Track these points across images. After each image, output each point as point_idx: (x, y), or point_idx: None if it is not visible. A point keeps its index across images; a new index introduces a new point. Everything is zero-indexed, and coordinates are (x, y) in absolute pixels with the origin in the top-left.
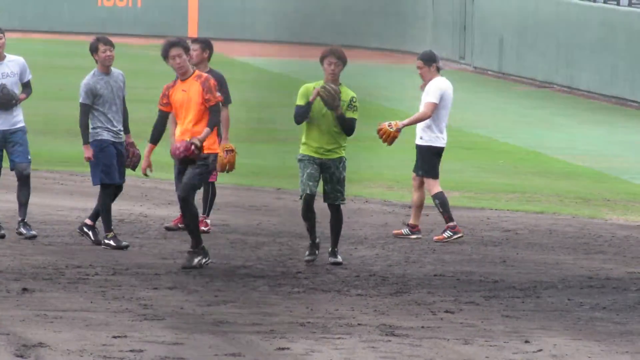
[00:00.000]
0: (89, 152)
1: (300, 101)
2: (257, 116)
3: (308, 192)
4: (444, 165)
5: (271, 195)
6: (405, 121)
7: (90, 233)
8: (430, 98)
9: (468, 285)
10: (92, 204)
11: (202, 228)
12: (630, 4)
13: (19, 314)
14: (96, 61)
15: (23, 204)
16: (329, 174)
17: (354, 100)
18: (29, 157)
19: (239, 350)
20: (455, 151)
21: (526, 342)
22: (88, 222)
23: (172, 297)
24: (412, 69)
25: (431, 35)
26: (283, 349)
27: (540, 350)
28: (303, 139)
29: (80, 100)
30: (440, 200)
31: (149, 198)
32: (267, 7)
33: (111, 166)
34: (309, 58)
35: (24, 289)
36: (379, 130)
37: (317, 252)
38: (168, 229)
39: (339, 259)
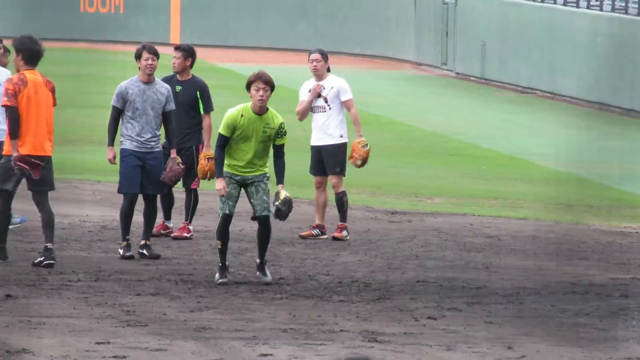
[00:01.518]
0: (111, 153)
1: (224, 131)
2: None
3: (227, 212)
4: (427, 170)
5: None
6: (360, 131)
7: (145, 251)
8: (350, 94)
9: (451, 291)
10: (74, 209)
11: (185, 234)
12: (613, 10)
13: (2, 320)
14: (139, 68)
15: None
16: (254, 187)
17: (282, 126)
18: None
19: (222, 356)
20: (438, 157)
21: (509, 348)
22: (141, 242)
23: (155, 303)
24: (395, 75)
25: (413, 41)
26: (266, 355)
27: (523, 356)
28: (227, 161)
29: (112, 103)
30: (347, 198)
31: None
32: (249, 13)
33: (129, 176)
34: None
35: (7, 295)
36: (362, 160)
37: (228, 274)
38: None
39: (269, 277)
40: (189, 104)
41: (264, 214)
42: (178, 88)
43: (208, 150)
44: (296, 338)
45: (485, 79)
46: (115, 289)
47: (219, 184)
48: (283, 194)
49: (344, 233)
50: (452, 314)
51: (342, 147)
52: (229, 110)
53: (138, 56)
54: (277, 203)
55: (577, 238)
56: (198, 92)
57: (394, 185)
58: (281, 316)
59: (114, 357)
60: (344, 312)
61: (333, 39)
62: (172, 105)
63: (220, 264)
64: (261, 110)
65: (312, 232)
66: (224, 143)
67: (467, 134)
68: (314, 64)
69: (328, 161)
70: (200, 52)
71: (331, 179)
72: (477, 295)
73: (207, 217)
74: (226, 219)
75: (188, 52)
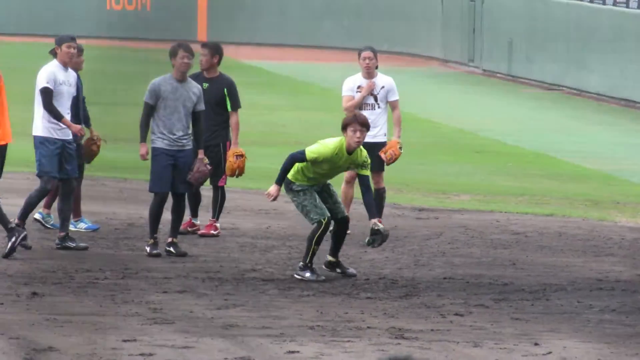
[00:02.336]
0: (143, 149)
1: (311, 155)
2: (267, 120)
3: (325, 217)
4: (453, 167)
5: (280, 199)
6: (399, 132)
7: (172, 248)
8: (397, 95)
9: (477, 288)
10: (101, 207)
11: (212, 232)
12: (639, 6)
13: (28, 318)
14: (173, 66)
15: None
16: (327, 192)
17: (367, 157)
18: None
19: (249, 353)
20: (465, 154)
21: (536, 344)
22: (168, 239)
23: (182, 300)
24: (422, 72)
25: (440, 38)
26: (293, 352)
27: (550, 352)
28: (299, 175)
29: (144, 99)
30: (385, 194)
31: None
32: (274, 10)
33: (161, 174)
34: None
35: (34, 293)
36: (393, 159)
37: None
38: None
39: (351, 269)
40: (216, 101)
41: (345, 214)
42: (205, 85)
43: (236, 147)
44: (323, 335)
45: (512, 76)
46: (141, 286)
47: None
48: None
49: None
50: (479, 311)
51: (383, 146)
52: (326, 140)
53: (174, 54)
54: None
55: (603, 234)
56: (225, 90)
57: (421, 183)
58: (308, 313)
59: (140, 354)
60: (371, 309)
61: (359, 36)
62: (202, 106)
63: (309, 263)
64: (354, 150)
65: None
66: (301, 161)
67: (493, 130)
68: (367, 61)
69: (372, 158)
70: (226, 50)
71: (374, 176)
72: (504, 291)
73: (234, 214)
74: (328, 223)
75: (215, 50)
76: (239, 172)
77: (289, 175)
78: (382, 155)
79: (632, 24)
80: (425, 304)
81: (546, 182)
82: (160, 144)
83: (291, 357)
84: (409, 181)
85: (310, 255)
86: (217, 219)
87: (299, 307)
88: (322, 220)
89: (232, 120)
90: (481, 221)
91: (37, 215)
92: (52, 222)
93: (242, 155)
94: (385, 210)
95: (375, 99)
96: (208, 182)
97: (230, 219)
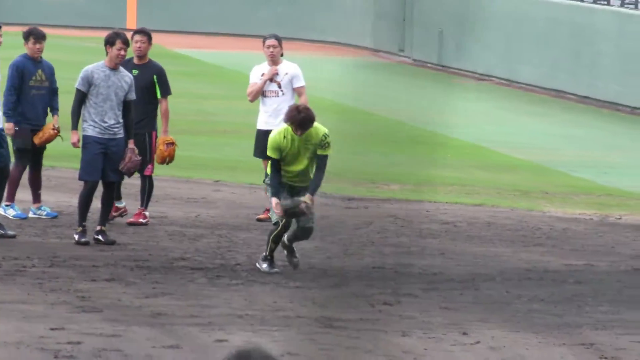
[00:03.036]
0: (75, 137)
1: (272, 153)
2: (197, 108)
3: (281, 223)
4: (384, 157)
5: (210, 188)
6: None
7: (100, 237)
8: (303, 81)
9: (407, 277)
10: (29, 195)
11: (140, 220)
12: None
13: None
14: (107, 53)
15: None
16: (298, 196)
17: (326, 136)
18: None
19: (177, 342)
20: (396, 144)
21: (464, 334)
22: (97, 227)
23: (110, 289)
24: (354, 62)
25: (371, 28)
26: (221, 340)
27: (479, 342)
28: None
29: (76, 85)
30: None
31: None
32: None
33: (91, 163)
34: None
35: None
36: None
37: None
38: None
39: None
40: (146, 87)
41: (308, 225)
42: (135, 72)
43: (166, 135)
44: (252, 324)
45: (443, 66)
46: (70, 274)
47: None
48: (302, 200)
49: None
50: (408, 300)
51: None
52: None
53: (111, 43)
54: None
55: (532, 224)
56: (155, 77)
57: (351, 172)
58: (237, 302)
59: (68, 343)
60: (300, 298)
61: (293, 25)
62: (133, 95)
63: (269, 257)
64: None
65: (269, 214)
66: (276, 165)
67: (423, 120)
68: (270, 49)
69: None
70: (157, 38)
71: None
72: (433, 281)
73: (163, 203)
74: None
75: (150, 36)
76: (169, 159)
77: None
78: None
79: (564, 15)
80: (355, 293)
81: (476, 172)
82: (91, 132)
83: (219, 346)
84: (338, 171)
85: (268, 250)
86: (146, 207)
87: (228, 295)
88: (277, 222)
89: (162, 106)
90: (410, 211)
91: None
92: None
93: (172, 143)
94: (315, 199)
95: (279, 86)
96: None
97: (159, 208)
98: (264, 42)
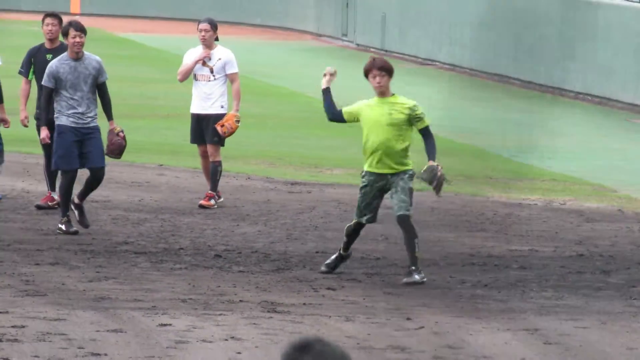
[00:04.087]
0: (44, 132)
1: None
2: (138, 92)
3: (364, 220)
4: (327, 142)
5: (153, 172)
6: (238, 106)
7: (76, 212)
8: (236, 68)
9: (350, 262)
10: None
11: (212, 202)
12: None
13: None
14: (67, 46)
15: None
16: (395, 187)
17: (416, 108)
18: None
19: (121, 326)
20: (338, 128)
21: (408, 319)
22: (75, 200)
23: (54, 273)
24: (296, 46)
25: (314, 12)
26: (165, 325)
27: (422, 327)
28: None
29: (42, 83)
30: (221, 168)
31: (31, 174)
32: None
33: (67, 151)
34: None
35: None
36: (230, 132)
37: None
38: (39, 207)
39: (416, 277)
40: None
41: (403, 213)
42: (49, 56)
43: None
44: (195, 308)
45: (386, 51)
46: (14, 258)
47: None
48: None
49: (212, 202)
50: (351, 285)
51: (220, 118)
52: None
53: (65, 33)
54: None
55: (475, 210)
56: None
57: (294, 157)
58: (180, 286)
59: (12, 326)
60: (244, 282)
61: (234, 9)
62: (104, 77)
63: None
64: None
65: (210, 201)
66: (340, 118)
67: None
68: (203, 33)
69: (207, 130)
70: (99, 22)
71: (209, 148)
72: (376, 266)
73: (106, 186)
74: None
75: (61, 19)
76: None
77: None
78: (219, 128)
79: None
80: (298, 277)
81: (418, 156)
82: (65, 121)
83: (163, 330)
84: (282, 155)
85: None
86: (214, 190)
87: (171, 280)
88: (356, 219)
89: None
90: (354, 195)
91: None
92: None
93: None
94: (258, 184)
95: (212, 71)
96: None
97: (102, 192)
98: (198, 26)
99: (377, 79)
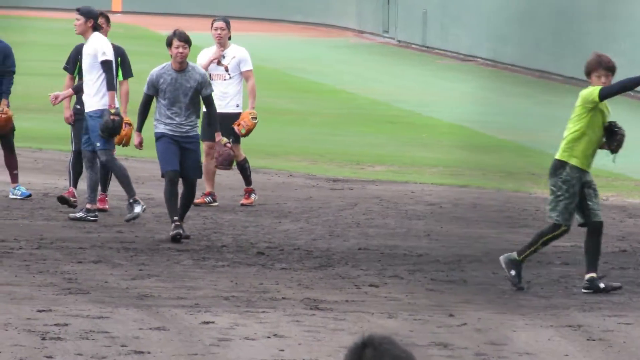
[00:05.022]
0: (138, 139)
1: None
2: None
3: (570, 225)
4: (368, 138)
5: None
6: (254, 103)
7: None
8: (251, 65)
9: (392, 259)
10: (31, 178)
11: (252, 199)
12: None
13: None
14: (171, 56)
15: None
16: (592, 189)
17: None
18: None
19: (163, 324)
20: (380, 125)
21: (450, 315)
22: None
23: (97, 270)
24: (337, 43)
25: (355, 9)
26: (207, 322)
27: (465, 324)
28: (576, 151)
29: (144, 90)
30: (248, 164)
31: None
32: None
33: (165, 154)
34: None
35: None
36: (247, 130)
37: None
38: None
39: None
40: None
41: (599, 219)
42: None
43: (125, 116)
44: (238, 306)
45: (427, 47)
46: (56, 256)
47: None
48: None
49: (252, 197)
50: (394, 282)
51: (236, 117)
52: None
53: (169, 44)
54: None
55: (518, 206)
56: (119, 59)
57: (336, 153)
58: (223, 284)
59: (55, 324)
60: (286, 279)
61: (274, 6)
62: (209, 90)
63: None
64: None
65: (205, 199)
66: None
67: (408, 102)
68: (218, 32)
69: (222, 129)
70: (140, 20)
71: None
72: (419, 262)
73: (149, 184)
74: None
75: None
76: (126, 140)
77: (565, 156)
78: (236, 128)
79: None
80: (340, 274)
81: (461, 153)
82: (162, 128)
83: (206, 328)
84: (323, 152)
85: (529, 251)
86: (249, 184)
87: (214, 277)
88: (563, 226)
89: (123, 89)
90: (395, 192)
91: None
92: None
93: (129, 124)
94: (299, 181)
95: (226, 70)
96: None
97: (145, 189)
98: (212, 25)
99: (603, 79)
